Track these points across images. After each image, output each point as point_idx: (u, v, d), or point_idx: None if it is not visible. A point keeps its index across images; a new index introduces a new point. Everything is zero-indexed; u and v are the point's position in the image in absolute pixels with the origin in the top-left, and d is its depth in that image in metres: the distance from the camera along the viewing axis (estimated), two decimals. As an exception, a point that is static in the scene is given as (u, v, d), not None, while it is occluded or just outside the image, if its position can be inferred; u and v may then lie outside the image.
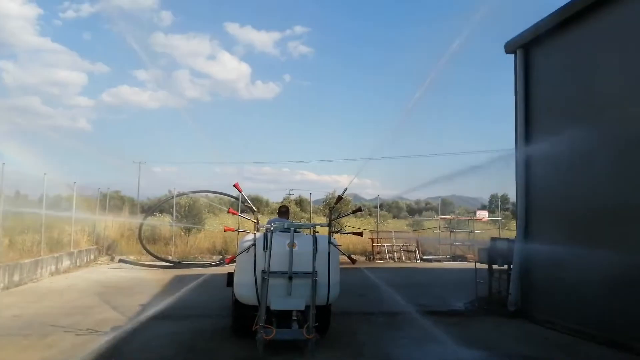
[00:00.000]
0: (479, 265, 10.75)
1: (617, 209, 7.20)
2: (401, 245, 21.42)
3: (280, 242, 6.18)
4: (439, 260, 20.78)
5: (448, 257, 21.20)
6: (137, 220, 22.24)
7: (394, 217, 49.19)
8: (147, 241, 19.85)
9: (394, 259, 20.62)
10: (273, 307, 6.04)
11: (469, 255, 20.77)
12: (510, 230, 26.64)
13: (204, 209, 22.51)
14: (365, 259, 20.39)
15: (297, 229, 6.51)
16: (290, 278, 6.03)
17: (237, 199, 21.30)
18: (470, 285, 10.82)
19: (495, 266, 10.23)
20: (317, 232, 6.21)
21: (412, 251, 21.34)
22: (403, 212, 60.64)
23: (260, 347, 5.83)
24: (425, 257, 21.23)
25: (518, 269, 9.26)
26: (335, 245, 6.32)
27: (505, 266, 9.87)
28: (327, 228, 6.62)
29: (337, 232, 6.77)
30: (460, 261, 20.40)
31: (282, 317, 6.26)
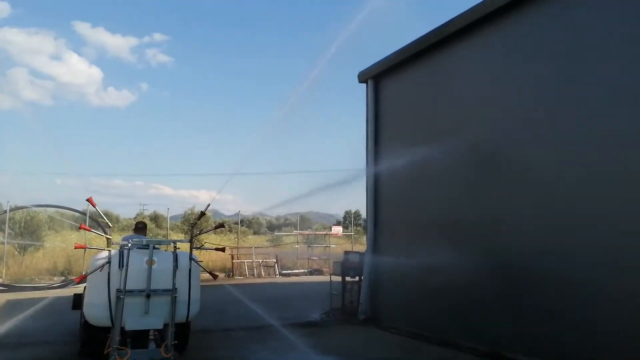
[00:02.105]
0: (333, 278, 11.46)
1: (448, 223, 8.33)
2: (261, 260, 21.66)
3: (137, 259, 5.95)
4: (297, 275, 21.44)
5: (305, 271, 22.00)
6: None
7: (255, 233, 49.38)
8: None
9: (253, 275, 20.75)
10: (128, 327, 5.77)
11: (324, 269, 21.79)
12: (362, 245, 28.61)
13: (43, 225, 20.21)
14: (225, 276, 20.18)
15: (156, 246, 6.34)
16: (148, 296, 5.84)
17: (84, 213, 19.59)
18: (325, 297, 11.45)
19: (348, 278, 11.00)
20: (179, 249, 6.12)
21: (271, 266, 21.70)
22: (263, 228, 61.18)
23: (114, 370, 5.52)
24: (284, 271, 21.74)
25: (367, 280, 10.10)
26: (196, 262, 6.29)
27: (357, 278, 10.69)
28: (187, 245, 6.56)
29: (198, 248, 6.72)
30: (317, 274, 21.30)
31: (138, 338, 6.00)
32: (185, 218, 25.73)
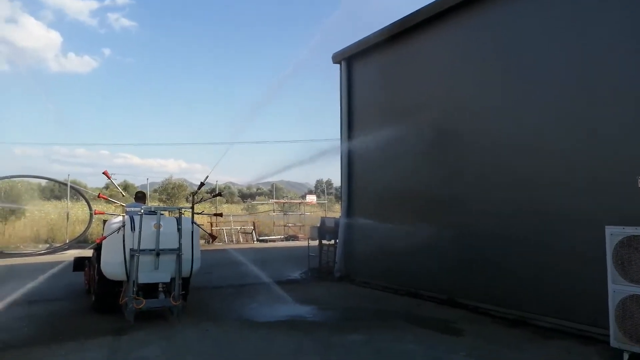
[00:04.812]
0: (310, 242, 12.62)
1: (411, 192, 9.50)
2: (239, 227, 22.67)
3: (146, 224, 6.89)
4: (273, 241, 22.59)
5: (282, 237, 23.15)
6: None
7: (227, 201, 50.22)
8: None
9: (232, 241, 21.77)
10: (141, 281, 6.76)
11: (300, 235, 23.01)
12: (334, 212, 29.94)
13: (24, 194, 20.61)
14: (204, 242, 21.11)
15: (162, 212, 7.27)
16: (157, 254, 6.81)
17: (65, 184, 20.08)
18: (303, 260, 12.61)
19: (324, 242, 12.17)
20: (183, 214, 7.09)
21: (249, 233, 22.76)
22: (236, 197, 62.00)
23: (131, 317, 6.56)
24: (261, 238, 22.85)
25: (342, 242, 11.28)
26: (197, 225, 7.27)
27: (333, 241, 11.86)
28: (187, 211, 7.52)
29: (199, 213, 7.68)
30: (293, 240, 22.50)
31: (148, 290, 7.00)
32: (163, 187, 26.36)
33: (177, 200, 24.31)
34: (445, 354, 5.52)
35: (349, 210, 11.46)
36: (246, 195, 63.60)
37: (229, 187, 65.23)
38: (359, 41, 11.02)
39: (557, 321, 6.56)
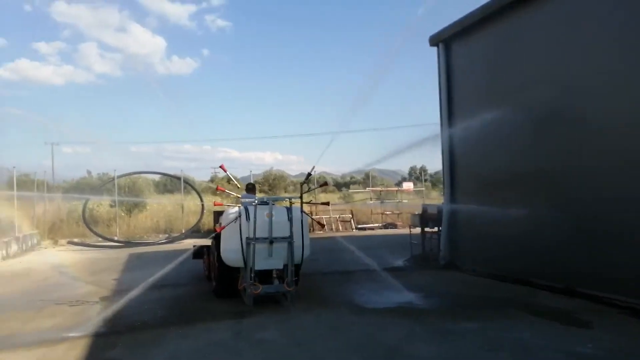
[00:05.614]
0: (412, 230, 12.53)
1: (521, 175, 9.05)
2: (338, 216, 23.09)
3: (259, 213, 7.31)
4: (372, 229, 22.71)
5: (380, 225, 23.20)
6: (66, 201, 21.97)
7: (323, 191, 51.21)
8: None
9: (331, 229, 22.23)
10: (257, 268, 7.20)
11: (398, 223, 22.90)
12: (431, 199, 29.35)
13: (145, 189, 22.73)
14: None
15: (273, 202, 7.67)
16: (271, 242, 7.21)
17: (178, 178, 21.79)
18: (404, 247, 12.57)
19: (426, 229, 12.03)
20: (293, 204, 7.43)
21: (347, 221, 23.10)
22: (331, 186, 63.00)
23: (250, 301, 7.04)
24: (359, 226, 23.08)
25: (446, 228, 11.07)
26: (306, 214, 7.57)
27: (435, 228, 11.68)
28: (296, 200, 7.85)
29: (307, 202, 7.99)
30: (391, 228, 22.46)
31: (263, 276, 7.44)
32: (264, 178, 27.57)
33: (277, 191, 25.32)
34: (571, 345, 5.25)
35: (452, 196, 11.20)
36: (340, 185, 64.40)
37: (324, 177, 66.47)
38: (458, 21, 10.63)
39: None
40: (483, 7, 9.75)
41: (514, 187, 9.21)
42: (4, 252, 13.87)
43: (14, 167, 17.01)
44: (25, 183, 18.53)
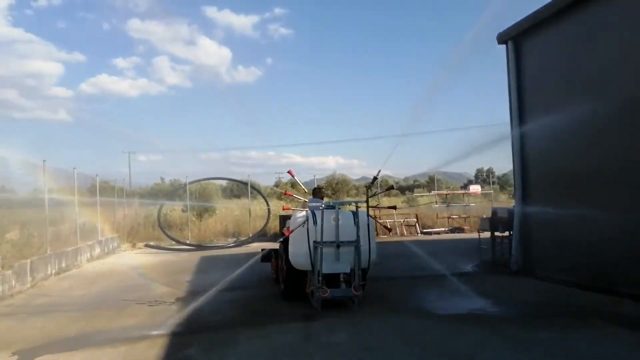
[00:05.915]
0: (481, 234, 12.14)
1: (600, 174, 8.52)
2: (402, 220, 22.79)
3: (326, 218, 7.38)
4: (437, 233, 22.19)
5: (446, 229, 22.63)
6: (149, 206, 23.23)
7: (385, 195, 50.71)
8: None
9: (396, 234, 21.96)
10: (324, 271, 7.27)
11: (465, 227, 22.23)
12: (500, 202, 28.25)
13: (214, 195, 23.61)
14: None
15: (340, 206, 7.72)
16: (338, 246, 7.26)
17: (245, 183, 22.45)
18: (472, 252, 12.20)
19: (496, 233, 11.60)
20: (359, 208, 7.44)
21: (412, 225, 22.73)
22: (394, 190, 62.27)
23: (318, 304, 7.12)
24: (425, 230, 22.64)
25: (518, 232, 10.62)
26: (373, 218, 7.55)
27: (506, 232, 11.24)
28: (361, 205, 7.85)
29: (374, 207, 7.99)
30: (458, 232, 21.85)
31: (331, 280, 7.49)
32: (327, 183, 27.77)
33: (341, 195, 25.39)
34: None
35: (524, 199, 10.73)
36: (403, 188, 63.54)
37: (387, 181, 65.83)
38: (527, 17, 10.19)
39: None
40: (554, 2, 9.32)
41: (594, 189, 8.69)
42: (89, 254, 14.91)
43: (96, 174, 18.04)
44: (106, 189, 19.75)
